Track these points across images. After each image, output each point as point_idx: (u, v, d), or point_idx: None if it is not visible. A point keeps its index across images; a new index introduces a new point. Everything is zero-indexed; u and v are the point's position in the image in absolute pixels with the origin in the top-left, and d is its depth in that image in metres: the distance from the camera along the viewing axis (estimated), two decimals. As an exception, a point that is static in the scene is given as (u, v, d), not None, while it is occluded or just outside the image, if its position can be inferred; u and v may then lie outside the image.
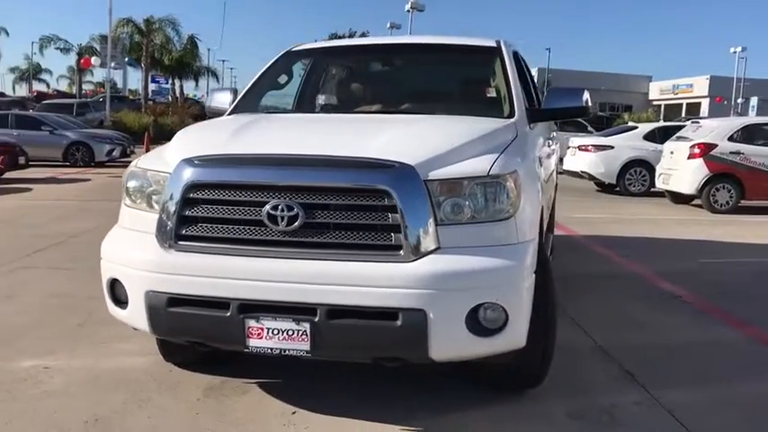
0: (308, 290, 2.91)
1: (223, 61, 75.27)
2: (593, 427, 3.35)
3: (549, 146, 5.20)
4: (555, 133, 6.56)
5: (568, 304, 5.27)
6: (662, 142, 13.99)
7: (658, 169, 13.52)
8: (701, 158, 12.17)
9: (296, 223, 2.93)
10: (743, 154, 12.10)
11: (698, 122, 13.94)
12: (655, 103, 64.25)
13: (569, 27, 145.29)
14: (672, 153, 12.98)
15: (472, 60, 4.98)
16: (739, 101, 52.09)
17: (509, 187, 3.04)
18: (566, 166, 16.18)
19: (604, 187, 15.69)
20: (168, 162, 3.25)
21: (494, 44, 4.70)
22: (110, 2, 31.74)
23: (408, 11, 38.84)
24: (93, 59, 39.50)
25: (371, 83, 5.14)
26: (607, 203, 13.50)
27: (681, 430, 3.32)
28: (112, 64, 34.34)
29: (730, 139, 12.27)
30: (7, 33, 60.63)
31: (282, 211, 2.93)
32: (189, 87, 55.65)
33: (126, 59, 39.20)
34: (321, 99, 5.11)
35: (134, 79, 57.59)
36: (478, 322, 2.96)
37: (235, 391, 3.64)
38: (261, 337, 2.99)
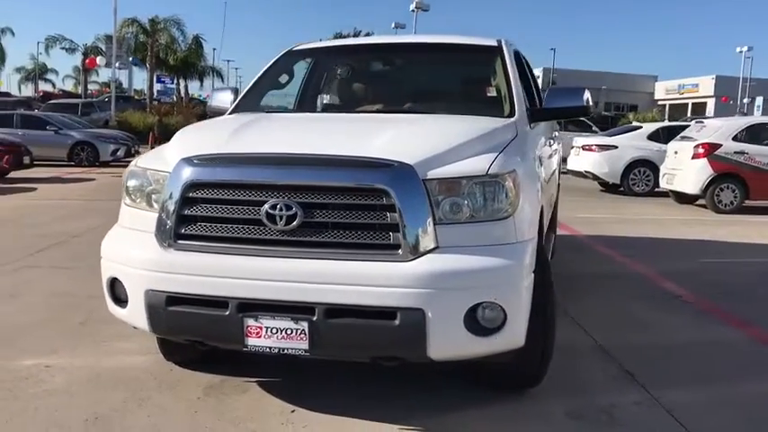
0: (307, 289, 2.92)
1: (228, 61, 75.67)
2: (591, 427, 3.35)
3: (550, 145, 5.19)
4: (557, 133, 6.55)
5: (570, 304, 5.27)
6: (666, 142, 13.95)
7: (662, 169, 13.49)
8: (706, 158, 12.14)
9: (294, 222, 2.94)
10: (747, 154, 12.06)
11: (702, 122, 13.89)
12: (660, 102, 64.11)
13: (575, 27, 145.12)
14: (676, 153, 12.95)
15: (473, 60, 4.98)
16: (745, 101, 51.90)
17: (508, 187, 3.04)
18: (570, 166, 16.18)
19: (608, 187, 15.66)
20: (168, 161, 3.26)
21: (494, 43, 4.70)
22: (115, 2, 31.84)
23: (413, 11, 38.82)
24: (99, 59, 39.68)
25: (372, 82, 5.14)
26: (611, 203, 13.48)
27: (680, 430, 3.31)
28: (117, 64, 34.41)
29: (735, 138, 12.23)
30: (13, 33, 60.93)
31: (281, 210, 2.94)
32: (194, 87, 55.74)
33: (131, 59, 39.27)
34: (322, 99, 5.12)
35: (139, 79, 57.65)
36: (477, 321, 2.96)
37: (235, 390, 3.65)
38: (259, 336, 3.00)
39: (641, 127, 16.80)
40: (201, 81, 51.20)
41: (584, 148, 15.74)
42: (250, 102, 4.64)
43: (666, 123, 19.53)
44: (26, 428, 3.25)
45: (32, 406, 3.46)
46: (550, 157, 5.30)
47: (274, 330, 2.98)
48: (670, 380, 3.94)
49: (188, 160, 3.14)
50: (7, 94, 46.94)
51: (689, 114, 45.55)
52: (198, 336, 3.22)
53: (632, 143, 15.23)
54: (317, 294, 2.91)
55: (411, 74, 5.23)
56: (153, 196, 3.27)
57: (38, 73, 65.56)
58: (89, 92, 54.62)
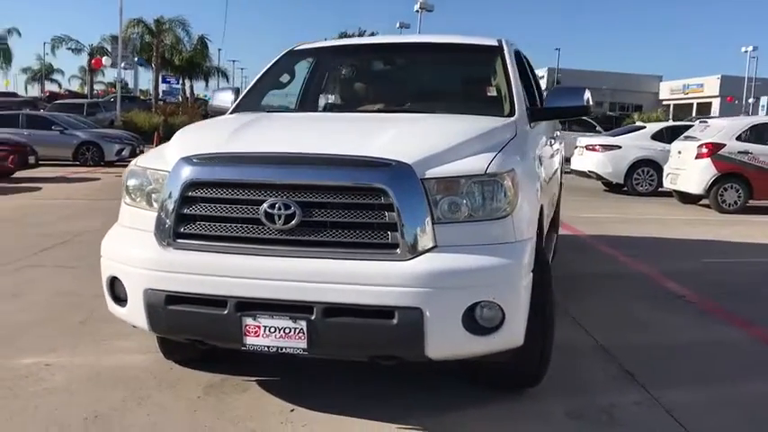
0: (305, 288, 2.92)
1: (233, 61, 75.64)
2: (591, 427, 3.34)
3: (551, 145, 5.19)
4: (559, 132, 6.54)
5: (571, 304, 5.27)
6: (670, 142, 13.91)
7: (666, 169, 13.45)
8: (709, 158, 12.10)
9: (293, 222, 2.94)
10: (751, 153, 12.02)
11: (706, 122, 13.86)
12: (665, 102, 64.01)
13: (580, 27, 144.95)
14: (679, 153, 12.91)
15: (474, 59, 4.98)
16: (750, 101, 51.75)
17: (506, 186, 3.04)
18: (573, 166, 16.15)
19: (612, 187, 15.63)
20: (167, 160, 3.26)
21: (495, 43, 4.69)
22: (120, 2, 31.90)
23: (417, 11, 38.81)
24: (105, 59, 39.76)
25: (373, 82, 5.15)
26: (614, 203, 13.45)
27: (680, 430, 3.31)
28: (122, 64, 34.49)
29: (738, 138, 12.19)
30: (19, 34, 61.07)
31: (279, 209, 2.94)
32: (199, 88, 55.89)
33: (136, 59, 39.36)
34: (323, 98, 5.12)
35: (145, 79, 57.95)
36: (475, 321, 2.96)
37: (235, 389, 3.66)
38: (258, 335, 3.00)
39: (645, 127, 16.77)
40: (207, 81, 51.38)
41: (587, 147, 15.71)
42: (251, 101, 4.64)
43: (670, 123, 19.48)
44: (26, 427, 3.26)
45: (32, 404, 3.47)
46: (552, 156, 5.30)
47: (273, 329, 2.98)
48: (670, 380, 3.93)
49: (187, 159, 3.15)
50: (14, 95, 47.10)
51: (694, 114, 45.36)
52: (197, 335, 3.23)
53: (636, 143, 15.20)
54: (315, 293, 2.91)
55: (412, 73, 5.23)
56: (153, 195, 3.28)
57: (44, 73, 65.74)
58: (95, 92, 54.73)
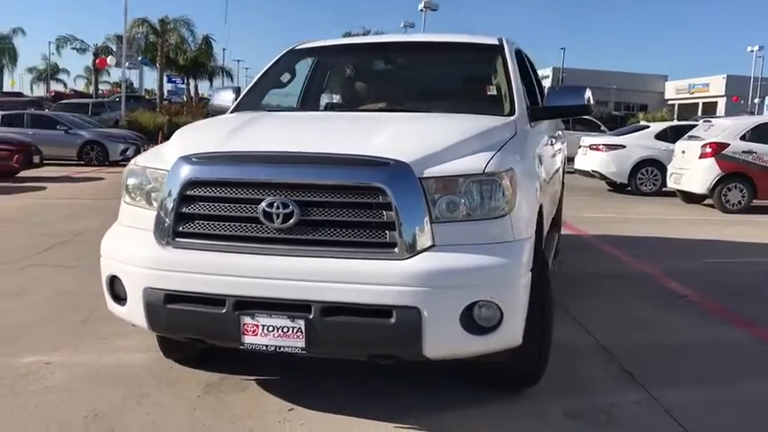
0: (303, 287, 2.93)
1: (238, 61, 75.82)
2: (590, 427, 3.34)
3: (552, 144, 5.17)
4: (561, 132, 6.52)
5: (572, 303, 5.26)
6: (674, 141, 13.87)
7: (670, 169, 13.42)
8: (713, 158, 12.07)
9: (291, 220, 2.95)
10: (755, 153, 11.98)
11: (710, 121, 13.83)
12: (670, 102, 63.81)
13: (585, 26, 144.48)
14: (683, 152, 12.88)
15: (474, 58, 4.97)
16: (756, 100, 51.57)
17: (505, 185, 3.03)
18: (577, 166, 16.14)
19: (616, 187, 15.60)
20: (166, 159, 3.27)
21: (496, 42, 4.69)
22: (125, 2, 31.97)
23: (422, 10, 38.82)
24: (109, 59, 39.89)
25: (374, 81, 5.15)
26: (618, 203, 13.43)
27: (678, 430, 3.30)
28: (127, 64, 34.57)
29: (742, 138, 12.15)
30: (24, 33, 61.30)
31: (278, 208, 2.95)
32: (204, 87, 55.94)
33: (140, 59, 39.43)
34: (324, 97, 5.12)
35: (150, 79, 57.94)
36: (473, 320, 2.96)
37: (234, 388, 3.66)
38: (256, 334, 3.01)
39: (649, 126, 16.73)
40: (211, 81, 51.39)
41: (591, 147, 15.68)
42: (251, 101, 4.65)
43: (674, 123, 19.44)
44: (26, 425, 3.27)
45: (33, 403, 3.48)
46: (553, 156, 5.29)
47: (271, 328, 2.98)
48: (670, 380, 3.92)
49: (186, 158, 3.16)
50: (19, 94, 47.31)
51: (699, 114, 45.25)
52: (195, 333, 3.23)
53: (640, 143, 15.18)
54: (313, 292, 2.92)
55: (413, 73, 5.24)
56: (152, 194, 3.29)
57: (49, 73, 65.89)
58: (100, 92, 54.89)
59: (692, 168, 12.45)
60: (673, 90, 66.00)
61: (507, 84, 4.25)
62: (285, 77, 5.01)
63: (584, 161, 15.91)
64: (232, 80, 53.51)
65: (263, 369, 3.86)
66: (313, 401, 3.47)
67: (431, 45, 5.10)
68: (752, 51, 54.31)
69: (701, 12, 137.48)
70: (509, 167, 3.09)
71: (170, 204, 3.11)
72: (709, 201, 12.58)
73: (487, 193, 3.01)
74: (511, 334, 3.05)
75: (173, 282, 3.09)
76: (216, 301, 3.03)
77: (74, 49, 48.71)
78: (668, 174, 13.48)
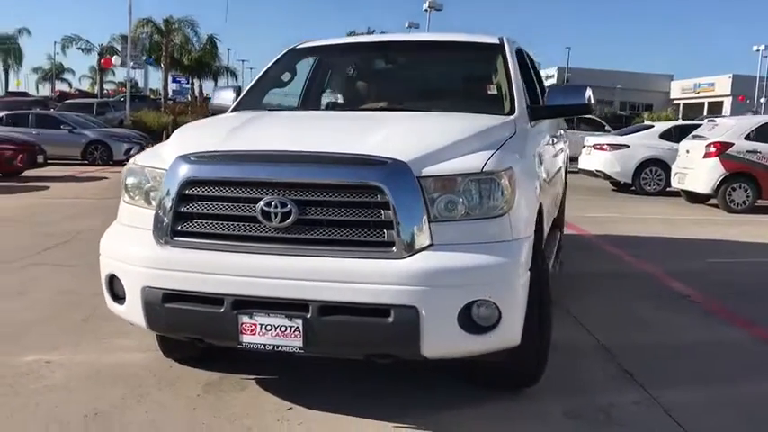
0: (301, 286, 2.93)
1: (243, 61, 75.72)
2: (588, 427, 3.33)
3: (553, 144, 5.16)
4: (563, 131, 6.52)
5: (573, 303, 5.25)
6: (678, 141, 13.80)
7: (674, 168, 13.37)
8: (717, 157, 12.02)
9: (289, 220, 2.95)
10: (760, 153, 11.93)
11: (714, 121, 13.78)
12: (676, 102, 63.64)
13: (590, 26, 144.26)
14: (687, 152, 12.84)
15: (475, 57, 4.96)
16: (762, 100, 51.38)
17: (503, 184, 3.03)
18: (581, 165, 16.12)
19: (620, 186, 15.56)
20: (165, 159, 3.27)
21: (496, 41, 4.68)
22: (129, 2, 32.01)
23: (426, 10, 38.78)
24: (114, 59, 39.88)
25: (375, 80, 5.15)
26: (622, 203, 13.39)
27: (677, 430, 3.29)
28: (131, 64, 34.61)
29: (747, 137, 12.09)
30: (30, 33, 61.47)
31: (276, 207, 2.95)
32: (209, 87, 56.00)
33: (144, 58, 39.48)
34: (325, 96, 5.13)
35: (155, 79, 58.11)
36: (471, 319, 2.95)
37: (233, 387, 3.67)
38: (254, 334, 3.01)
39: (653, 126, 16.68)
40: (216, 81, 51.37)
41: (595, 147, 15.64)
42: (252, 100, 4.65)
43: (679, 122, 19.39)
44: (27, 424, 3.27)
45: (33, 402, 3.49)
46: (554, 155, 5.28)
47: (269, 327, 2.99)
48: (670, 380, 3.91)
49: (185, 158, 3.16)
50: (24, 94, 47.45)
51: (705, 113, 45.07)
52: (194, 333, 3.24)
53: (644, 142, 15.12)
54: (311, 291, 2.92)
55: (414, 72, 5.23)
56: (151, 194, 3.29)
57: (55, 73, 66.09)
58: (105, 91, 55.02)
59: (696, 168, 12.41)
60: (678, 90, 65.83)
61: (507, 83, 4.24)
62: (286, 77, 5.01)
63: (588, 161, 15.88)
64: (236, 80, 53.59)
65: (263, 368, 3.86)
66: (311, 401, 3.47)
67: (432, 44, 5.10)
68: (758, 51, 54.08)
69: (707, 11, 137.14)
70: (508, 166, 3.09)
71: (168, 203, 3.12)
72: (713, 201, 12.54)
73: (486, 193, 3.01)
74: (509, 333, 3.04)
75: (171, 281, 3.10)
76: (214, 300, 3.03)
77: (79, 49, 48.82)
78: (672, 173, 13.44)
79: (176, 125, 29.08)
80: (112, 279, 3.36)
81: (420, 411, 3.39)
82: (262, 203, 2.96)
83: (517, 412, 3.44)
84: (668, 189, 14.26)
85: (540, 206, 3.72)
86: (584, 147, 16.16)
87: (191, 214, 3.12)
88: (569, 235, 8.14)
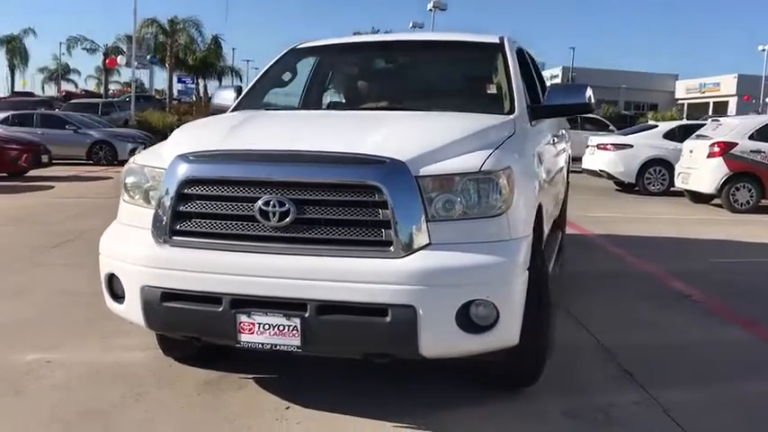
0: (299, 285, 2.93)
1: (248, 61, 75.55)
2: (587, 426, 3.32)
3: (554, 143, 5.15)
4: (565, 131, 6.50)
5: (574, 303, 5.24)
6: (682, 141, 13.77)
7: (677, 168, 13.33)
8: (721, 157, 11.99)
9: (287, 219, 2.95)
10: (764, 152, 11.88)
11: (718, 121, 13.74)
12: (681, 101, 63.42)
13: (595, 26, 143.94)
14: (691, 152, 12.80)
15: (475, 57, 4.94)
16: (768, 99, 51.19)
17: (501, 184, 3.03)
18: (585, 165, 16.09)
19: (624, 186, 15.53)
20: (164, 158, 3.28)
21: (497, 40, 4.67)
22: (135, 2, 32.10)
23: (430, 10, 38.79)
24: (119, 59, 40.05)
25: (375, 79, 5.15)
26: (625, 203, 13.37)
27: (676, 430, 3.28)
28: (136, 64, 34.71)
29: (751, 137, 12.05)
30: (35, 34, 61.58)
31: (274, 206, 2.95)
32: (213, 87, 56.07)
33: (148, 57, 39.58)
34: (326, 96, 5.13)
35: (161, 79, 58.11)
36: (469, 319, 2.95)
37: (232, 386, 3.67)
38: (252, 333, 3.01)
39: (657, 126, 16.64)
40: (220, 81, 51.47)
41: (599, 146, 15.62)
42: (252, 100, 4.65)
43: (683, 122, 19.33)
44: (27, 423, 3.29)
45: (33, 401, 3.50)
46: (556, 155, 5.27)
47: (267, 327, 2.99)
48: (670, 380, 3.90)
49: (183, 157, 3.17)
50: (30, 94, 47.57)
51: (710, 113, 44.92)
52: (192, 332, 3.24)
53: (648, 142, 15.09)
54: (308, 291, 2.92)
55: (414, 71, 5.23)
56: (150, 193, 3.30)
57: (60, 73, 66.19)
58: (111, 92, 55.15)
59: (699, 168, 12.37)
60: (683, 89, 65.60)
61: (507, 82, 4.24)
62: (286, 77, 5.02)
63: (592, 161, 15.85)
64: (241, 80, 53.62)
65: (261, 367, 3.86)
66: (310, 400, 3.47)
67: (432, 44, 5.10)
68: (763, 50, 53.86)
69: (713, 11, 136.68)
70: (506, 166, 3.09)
71: (167, 203, 3.12)
72: (717, 200, 12.50)
73: (484, 192, 3.01)
74: (507, 333, 3.04)
75: (169, 280, 3.11)
76: (212, 299, 3.04)
77: (84, 49, 49.02)
78: (676, 173, 13.41)
79: (181, 125, 29.18)
80: (112, 278, 3.37)
81: (418, 411, 3.39)
82: (260, 203, 2.97)
83: (516, 411, 3.43)
84: (672, 189, 14.22)
85: (540, 206, 3.72)
86: (587, 146, 16.13)
87: (189, 213, 3.13)
88: (571, 234, 8.12)
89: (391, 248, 2.90)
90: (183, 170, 3.11)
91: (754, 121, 12.91)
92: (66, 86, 65.02)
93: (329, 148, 3.11)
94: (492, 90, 4.55)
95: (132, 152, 19.52)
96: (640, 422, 3.37)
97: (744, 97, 54.87)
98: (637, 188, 14.94)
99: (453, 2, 45.48)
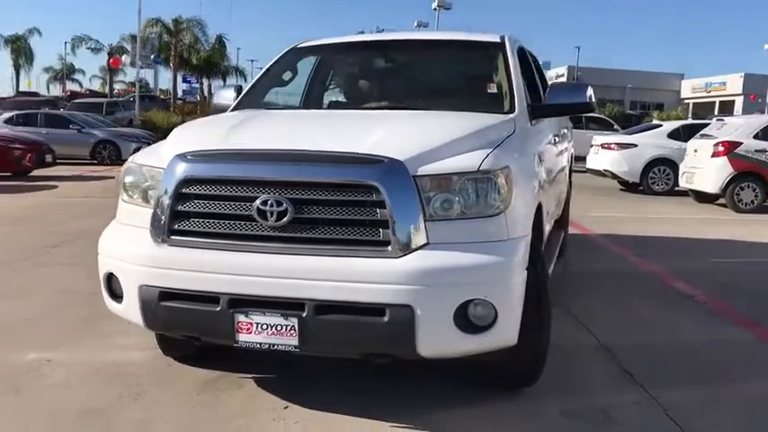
0: (296, 285, 2.93)
1: (252, 61, 75.66)
2: (587, 426, 3.31)
3: (555, 143, 5.13)
4: (567, 130, 6.47)
5: (574, 303, 5.22)
6: (686, 140, 13.70)
7: (682, 168, 13.28)
8: (725, 157, 11.93)
9: (285, 218, 2.95)
10: (768, 152, 11.85)
11: (722, 120, 13.69)
12: (686, 101, 63.24)
13: (601, 25, 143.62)
14: (695, 151, 12.75)
15: (476, 56, 4.93)
16: (773, 99, 50.96)
17: (500, 183, 3.02)
18: (589, 165, 16.05)
19: (628, 186, 15.48)
20: (163, 157, 3.27)
21: (497, 39, 4.66)
22: (139, 2, 32.14)
23: (435, 9, 38.78)
24: (124, 58, 40.10)
25: (376, 79, 5.14)
26: (629, 202, 13.33)
27: (676, 429, 3.26)
28: (140, 63, 34.76)
29: (755, 137, 11.98)
30: (40, 34, 61.65)
31: (272, 206, 2.95)
32: (218, 87, 56.13)
33: (153, 57, 39.64)
34: (326, 95, 5.12)
35: (165, 79, 58.27)
36: (467, 319, 2.94)
37: (230, 386, 3.67)
38: (250, 332, 3.01)
39: (661, 125, 16.59)
40: (225, 80, 51.53)
41: (603, 146, 15.57)
42: (253, 99, 4.65)
43: (687, 122, 19.27)
44: (27, 422, 3.29)
45: (33, 400, 3.51)
46: (557, 154, 5.25)
47: (264, 326, 2.99)
48: (670, 380, 3.88)
49: (182, 156, 3.16)
50: (35, 94, 47.68)
51: (716, 113, 44.78)
52: (190, 331, 3.24)
53: (652, 141, 15.04)
54: (306, 290, 2.91)
55: (415, 71, 5.21)
56: (149, 192, 3.30)
57: (65, 73, 66.33)
58: (115, 91, 55.23)
59: (704, 167, 12.32)
60: (689, 89, 65.41)
61: (508, 81, 4.22)
62: (287, 76, 5.01)
63: (596, 160, 15.81)
64: (245, 80, 53.62)
65: (260, 367, 3.86)
66: (308, 399, 3.46)
67: (433, 43, 5.09)
68: (769, 49, 53.67)
69: (719, 10, 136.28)
70: (504, 165, 3.07)
71: (166, 202, 3.12)
72: (721, 200, 12.46)
73: (482, 191, 3.00)
74: (506, 333, 3.03)
75: (168, 279, 3.10)
76: (210, 298, 3.03)
77: (89, 49, 49.15)
78: (680, 173, 13.36)
79: (184, 125, 29.19)
80: (110, 278, 3.37)
81: (417, 410, 3.38)
82: (258, 202, 2.96)
83: (515, 411, 3.42)
84: (676, 189, 14.17)
85: (540, 205, 3.71)
86: (591, 146, 16.09)
87: (188, 213, 3.13)
88: (574, 234, 8.10)
89: (389, 248, 2.90)
90: (182, 169, 3.11)
91: (759, 121, 12.84)
92: (70, 86, 65.26)
93: (327, 148, 3.10)
94: (492, 89, 4.53)
95: (136, 151, 19.56)
96: (640, 422, 3.35)
97: (750, 96, 54.67)
98: (641, 188, 14.89)
99: (458, 1, 45.46)
